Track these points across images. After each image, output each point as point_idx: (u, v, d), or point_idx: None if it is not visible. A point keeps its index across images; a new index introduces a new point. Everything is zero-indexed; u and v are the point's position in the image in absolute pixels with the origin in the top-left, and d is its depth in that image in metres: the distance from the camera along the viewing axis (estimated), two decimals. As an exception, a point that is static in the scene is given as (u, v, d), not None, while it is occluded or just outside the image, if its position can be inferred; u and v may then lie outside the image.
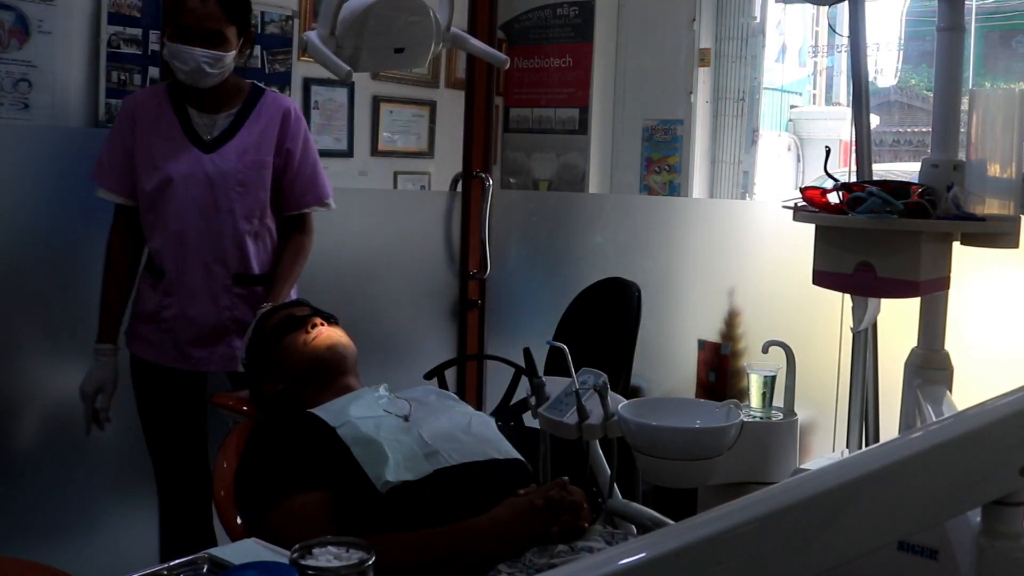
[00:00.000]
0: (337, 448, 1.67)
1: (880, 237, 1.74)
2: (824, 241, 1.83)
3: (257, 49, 4.03)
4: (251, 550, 1.40)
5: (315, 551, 1.11)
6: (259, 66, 4.03)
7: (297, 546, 1.11)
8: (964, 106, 1.91)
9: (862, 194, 1.72)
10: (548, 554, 1.55)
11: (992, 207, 1.79)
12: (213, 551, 1.39)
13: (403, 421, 1.79)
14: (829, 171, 1.88)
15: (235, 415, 2.10)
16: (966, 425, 0.90)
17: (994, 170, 1.78)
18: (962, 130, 1.90)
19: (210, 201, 2.36)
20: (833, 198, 1.81)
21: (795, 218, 1.87)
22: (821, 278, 1.86)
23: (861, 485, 0.87)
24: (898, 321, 2.13)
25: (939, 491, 0.89)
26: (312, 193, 2.51)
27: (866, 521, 0.87)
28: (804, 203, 1.86)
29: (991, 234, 1.77)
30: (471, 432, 1.81)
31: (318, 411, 1.79)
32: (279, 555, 1.37)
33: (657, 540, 0.95)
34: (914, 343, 1.98)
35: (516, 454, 1.81)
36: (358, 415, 1.75)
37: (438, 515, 1.61)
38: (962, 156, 1.88)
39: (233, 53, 2.35)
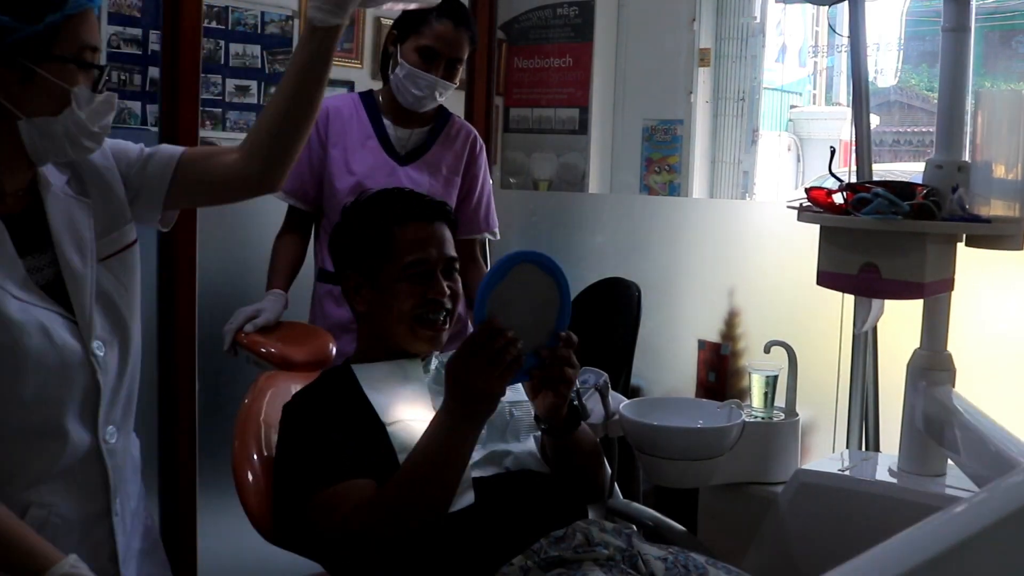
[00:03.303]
0: (384, 447, 1.61)
1: (885, 238, 1.74)
2: (829, 242, 1.83)
3: (257, 49, 4.03)
4: None
5: None
6: (259, 66, 4.02)
7: None
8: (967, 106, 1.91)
9: (867, 195, 1.72)
10: (563, 546, 1.53)
11: (997, 209, 1.79)
12: None
13: None
14: (833, 171, 1.87)
15: (261, 362, 2.02)
16: None
17: (999, 172, 1.78)
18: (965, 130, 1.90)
19: None
20: (838, 199, 1.80)
21: (800, 218, 1.87)
22: (825, 279, 1.85)
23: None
24: (898, 322, 2.13)
25: None
26: (487, 220, 2.60)
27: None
28: (809, 203, 1.86)
29: (996, 236, 1.77)
30: (508, 437, 1.76)
31: (369, 393, 1.70)
32: None
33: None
34: (914, 343, 1.97)
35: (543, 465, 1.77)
36: (411, 416, 1.68)
37: (482, 521, 1.58)
38: (965, 157, 1.88)
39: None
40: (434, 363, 1.82)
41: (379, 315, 1.79)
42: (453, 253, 1.83)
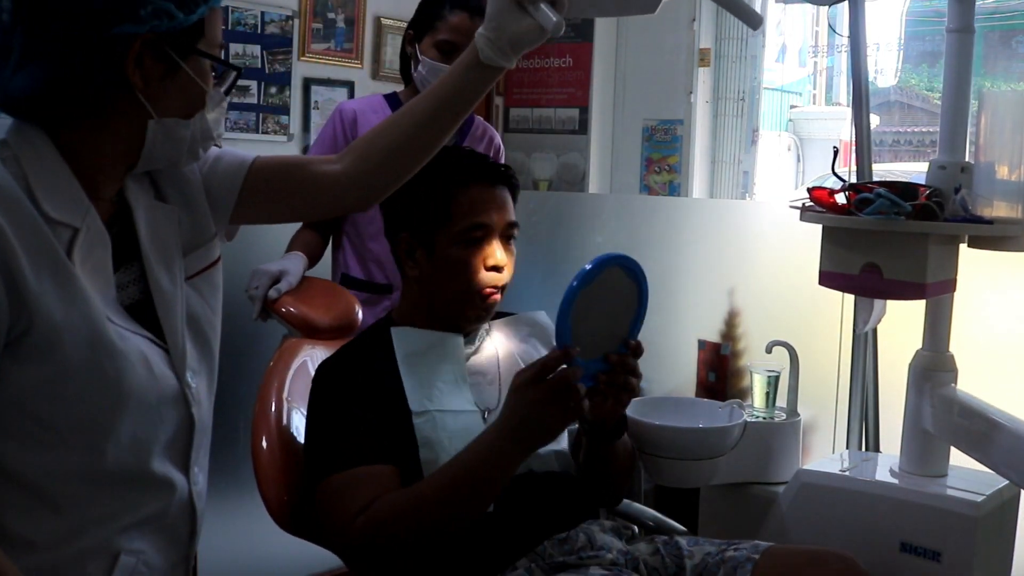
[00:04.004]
0: (407, 438, 1.57)
1: (887, 239, 1.74)
2: (830, 242, 1.83)
3: (257, 49, 4.02)
4: None
5: None
6: (259, 66, 4.02)
7: None
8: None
9: (870, 195, 1.72)
10: (567, 549, 1.53)
11: (1000, 210, 1.79)
12: None
13: (482, 420, 1.67)
14: (835, 171, 1.87)
15: (291, 328, 1.97)
16: None
17: (1002, 172, 1.78)
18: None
19: None
20: (840, 199, 1.80)
21: (802, 218, 1.87)
22: (827, 278, 1.85)
23: None
24: (899, 322, 2.13)
25: None
26: None
27: None
28: (811, 203, 1.86)
29: (998, 237, 1.77)
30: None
31: (403, 369, 1.64)
32: None
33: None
34: (914, 344, 1.97)
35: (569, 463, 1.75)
36: (440, 406, 1.62)
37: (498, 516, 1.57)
38: (968, 158, 1.88)
39: None
40: (476, 341, 1.77)
41: (430, 284, 1.71)
42: (514, 218, 1.74)
